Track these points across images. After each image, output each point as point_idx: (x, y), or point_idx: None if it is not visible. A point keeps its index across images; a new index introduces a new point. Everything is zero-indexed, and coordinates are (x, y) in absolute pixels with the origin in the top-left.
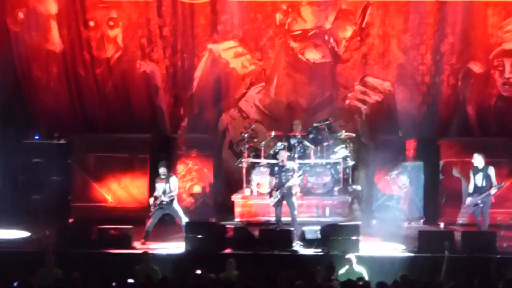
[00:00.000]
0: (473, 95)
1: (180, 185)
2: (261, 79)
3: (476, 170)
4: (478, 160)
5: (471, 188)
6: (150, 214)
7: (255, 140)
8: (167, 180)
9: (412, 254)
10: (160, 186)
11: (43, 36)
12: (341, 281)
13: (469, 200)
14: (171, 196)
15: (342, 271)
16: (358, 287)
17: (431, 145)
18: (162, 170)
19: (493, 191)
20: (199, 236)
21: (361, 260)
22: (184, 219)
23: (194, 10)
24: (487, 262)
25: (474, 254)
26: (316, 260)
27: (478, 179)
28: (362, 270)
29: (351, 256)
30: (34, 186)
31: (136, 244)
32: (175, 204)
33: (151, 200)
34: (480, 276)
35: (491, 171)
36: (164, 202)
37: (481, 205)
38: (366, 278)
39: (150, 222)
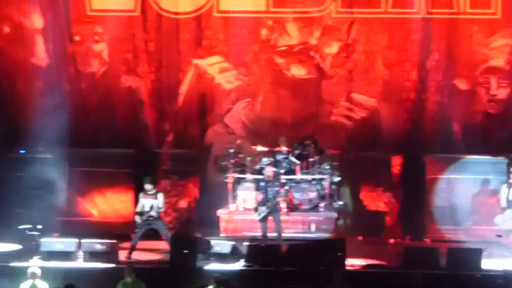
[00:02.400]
0: (458, 112)
1: (165, 200)
2: (246, 94)
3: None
4: None
5: (504, 203)
6: (136, 230)
7: (241, 155)
8: (155, 196)
9: (397, 271)
10: (147, 202)
11: (29, 51)
12: None
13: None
14: (160, 211)
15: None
16: None
17: (416, 161)
18: (148, 186)
19: None
20: (184, 251)
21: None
22: (169, 234)
23: (179, 25)
24: (472, 279)
25: (460, 271)
26: (303, 275)
27: None
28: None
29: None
30: (18, 201)
31: (121, 258)
32: (160, 219)
33: (137, 217)
34: None
35: None
36: (152, 218)
37: None
38: None
39: (135, 237)
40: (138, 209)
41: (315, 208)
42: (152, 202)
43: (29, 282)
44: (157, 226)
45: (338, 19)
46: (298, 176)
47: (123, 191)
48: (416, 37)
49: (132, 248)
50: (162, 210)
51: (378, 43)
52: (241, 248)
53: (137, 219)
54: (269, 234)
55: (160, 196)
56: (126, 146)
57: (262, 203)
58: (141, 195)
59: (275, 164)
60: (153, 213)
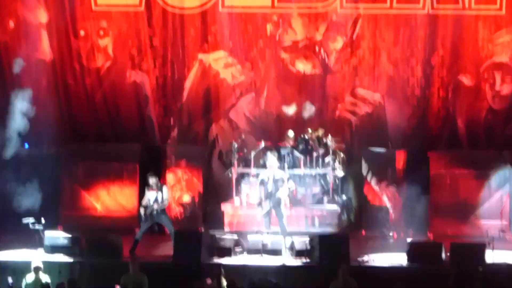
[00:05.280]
0: (463, 108)
1: (170, 195)
2: (251, 89)
3: None
4: None
5: None
6: (140, 224)
7: (245, 150)
8: (159, 189)
9: (401, 265)
10: (151, 195)
11: (33, 46)
12: None
13: None
14: (164, 205)
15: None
16: None
17: (420, 157)
18: (153, 180)
19: None
20: (188, 246)
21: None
22: (173, 229)
23: (184, 21)
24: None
25: (463, 266)
26: (306, 270)
27: None
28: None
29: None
30: (22, 195)
31: (124, 252)
32: (165, 214)
33: (142, 210)
34: None
35: None
36: (155, 212)
37: None
38: None
39: (139, 231)
40: (143, 203)
41: (319, 202)
42: (156, 195)
43: (32, 276)
44: (161, 220)
45: (343, 14)
46: (302, 170)
47: (128, 185)
48: (421, 33)
49: (136, 243)
50: (166, 203)
51: (383, 38)
52: (245, 242)
53: (141, 212)
54: (273, 229)
55: (165, 189)
56: (130, 141)
57: (266, 198)
58: (146, 189)
59: (279, 158)
60: (155, 207)
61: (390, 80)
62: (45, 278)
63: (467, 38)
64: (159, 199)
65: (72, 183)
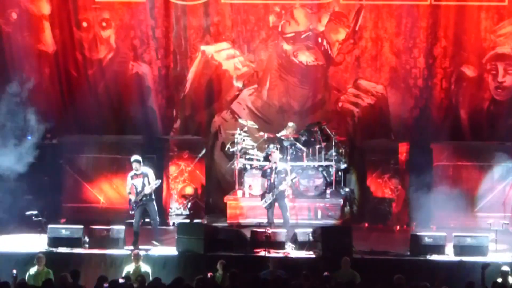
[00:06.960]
0: (465, 98)
1: (172, 187)
2: (253, 81)
3: None
4: None
5: None
6: (132, 212)
7: (247, 142)
8: (144, 174)
9: (403, 257)
10: (138, 182)
11: (36, 37)
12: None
13: None
14: (155, 186)
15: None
16: None
17: (423, 148)
18: (136, 166)
19: None
20: (191, 237)
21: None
22: (158, 219)
23: (186, 12)
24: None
25: (465, 258)
26: (309, 262)
27: None
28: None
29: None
30: (26, 187)
31: (127, 244)
32: (153, 202)
33: (132, 198)
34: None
35: None
36: (147, 197)
37: None
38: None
39: (134, 223)
40: (129, 191)
41: (321, 194)
42: (143, 180)
43: (35, 268)
44: (149, 207)
45: (346, 5)
46: (305, 162)
47: None
48: (424, 24)
49: (136, 235)
50: (158, 184)
51: (385, 29)
52: (247, 234)
53: (132, 200)
54: (276, 221)
55: (150, 172)
56: (133, 133)
57: (269, 190)
58: (129, 177)
59: (282, 150)
60: (146, 191)
61: (392, 71)
62: (48, 270)
63: (470, 28)
64: (147, 183)
65: (74, 175)
